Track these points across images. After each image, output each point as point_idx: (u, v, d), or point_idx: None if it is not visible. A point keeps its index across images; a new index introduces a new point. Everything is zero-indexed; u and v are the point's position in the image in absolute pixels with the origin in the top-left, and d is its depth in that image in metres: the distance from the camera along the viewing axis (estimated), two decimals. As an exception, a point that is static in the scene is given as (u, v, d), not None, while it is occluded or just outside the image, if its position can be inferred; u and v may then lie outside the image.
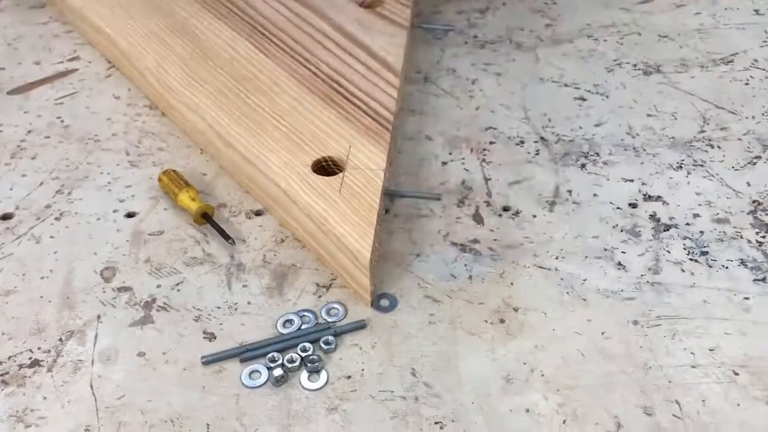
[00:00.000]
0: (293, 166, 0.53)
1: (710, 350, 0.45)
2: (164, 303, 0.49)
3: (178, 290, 0.50)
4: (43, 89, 0.69)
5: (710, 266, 0.51)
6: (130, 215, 0.56)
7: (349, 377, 0.45)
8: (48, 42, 0.75)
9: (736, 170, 0.58)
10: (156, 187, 0.58)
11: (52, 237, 0.54)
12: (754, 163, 0.59)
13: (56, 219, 0.56)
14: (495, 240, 0.53)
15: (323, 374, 0.44)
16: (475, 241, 0.53)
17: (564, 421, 0.42)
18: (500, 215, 0.55)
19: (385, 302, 0.49)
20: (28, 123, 0.65)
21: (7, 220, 0.55)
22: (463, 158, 0.60)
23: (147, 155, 0.61)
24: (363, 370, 0.45)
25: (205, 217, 0.54)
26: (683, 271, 0.50)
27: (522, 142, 0.62)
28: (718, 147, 0.61)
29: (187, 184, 0.56)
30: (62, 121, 0.65)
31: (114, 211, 0.56)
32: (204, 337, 0.47)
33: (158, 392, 0.44)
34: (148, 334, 0.47)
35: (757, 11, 0.78)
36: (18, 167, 0.60)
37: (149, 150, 0.62)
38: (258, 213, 0.56)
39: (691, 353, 0.45)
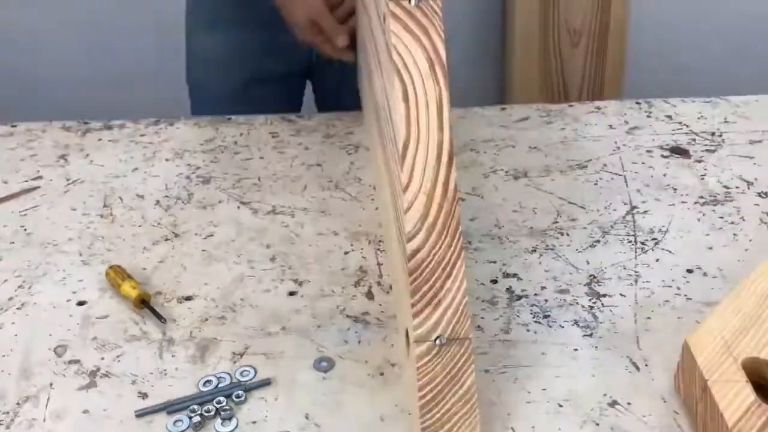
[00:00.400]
0: (216, 257, 0.65)
1: (543, 389, 0.58)
2: (107, 371, 0.60)
3: (119, 361, 0.61)
4: (9, 204, 0.81)
5: (550, 326, 0.63)
6: (80, 303, 0.67)
7: (254, 422, 0.55)
8: (15, 164, 0.88)
9: (579, 252, 0.72)
10: (104, 280, 0.69)
11: (13, 323, 0.65)
12: (594, 246, 0.73)
13: (17, 309, 0.66)
14: (382, 312, 0.65)
15: (234, 421, 0.55)
16: (366, 313, 0.65)
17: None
18: (388, 292, 0.68)
19: (324, 364, 0.60)
20: (-4, 232, 0.77)
21: (-25, 311, 0.66)
22: (362, 248, 0.73)
23: (97, 255, 0.73)
24: (266, 416, 0.56)
25: (143, 303, 0.66)
26: (528, 330, 0.63)
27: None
28: (567, 234, 0.75)
29: (129, 277, 0.68)
30: (25, 230, 0.77)
31: (67, 301, 0.67)
32: (138, 396, 0.58)
33: (98, 441, 0.54)
34: (92, 396, 0.58)
35: (610, 126, 0.95)
36: (-14, 268, 0.71)
37: (99, 251, 0.74)
38: (187, 298, 0.67)
39: (528, 392, 0.57)
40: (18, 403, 0.57)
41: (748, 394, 0.51)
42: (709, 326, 0.57)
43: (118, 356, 0.61)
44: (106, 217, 0.79)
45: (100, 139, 0.93)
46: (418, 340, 0.52)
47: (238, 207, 0.80)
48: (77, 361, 0.61)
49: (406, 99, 0.54)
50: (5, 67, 1.67)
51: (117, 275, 0.68)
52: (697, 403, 0.54)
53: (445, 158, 0.54)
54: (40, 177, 0.86)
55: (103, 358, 0.61)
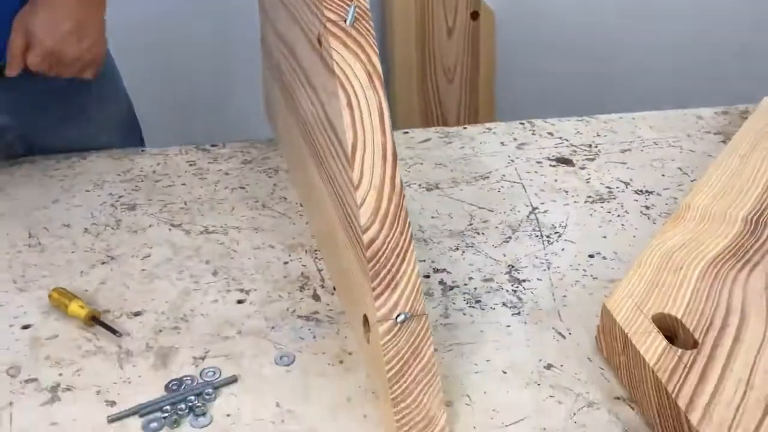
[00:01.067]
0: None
1: (487, 361, 0.64)
2: (68, 385, 0.60)
3: (78, 375, 0.61)
4: (-77, 240, 0.78)
5: (483, 309, 0.71)
6: (25, 327, 0.67)
7: (229, 415, 0.58)
8: None
9: (495, 247, 0.81)
10: (45, 304, 0.69)
11: (-45, 351, 0.63)
12: (507, 241, 0.82)
13: (-43, 338, 0.65)
14: (330, 310, 0.70)
15: (208, 416, 0.57)
16: (316, 312, 0.70)
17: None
18: (332, 293, 0.72)
19: (285, 359, 0.63)
20: None
21: None
22: (300, 257, 0.78)
23: (32, 281, 0.73)
24: (239, 409, 0.58)
25: (94, 320, 0.66)
26: (464, 314, 0.70)
27: (342, 244, 0.80)
28: (482, 234, 0.83)
29: (75, 297, 0.68)
30: (-52, 263, 0.75)
31: (10, 326, 0.67)
32: (106, 404, 0.58)
33: (73, 449, 0.54)
34: (58, 408, 0.58)
35: (502, 143, 1.05)
36: None
37: (33, 278, 0.73)
38: (137, 314, 0.69)
39: (475, 364, 0.64)
40: (-21, 424, 0.56)
41: (661, 341, 0.60)
42: (620, 292, 0.66)
43: (76, 371, 0.62)
44: (33, 247, 0.78)
45: (11, 175, 0.92)
46: (381, 320, 0.57)
47: (170, 229, 0.82)
48: (34, 380, 0.61)
49: (350, 107, 0.60)
50: None
51: (62, 296, 0.68)
52: (620, 356, 0.62)
53: (389, 157, 0.60)
54: (-47, 213, 0.83)
55: (61, 374, 0.61)
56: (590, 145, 1.06)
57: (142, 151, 0.99)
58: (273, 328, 0.67)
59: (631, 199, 0.92)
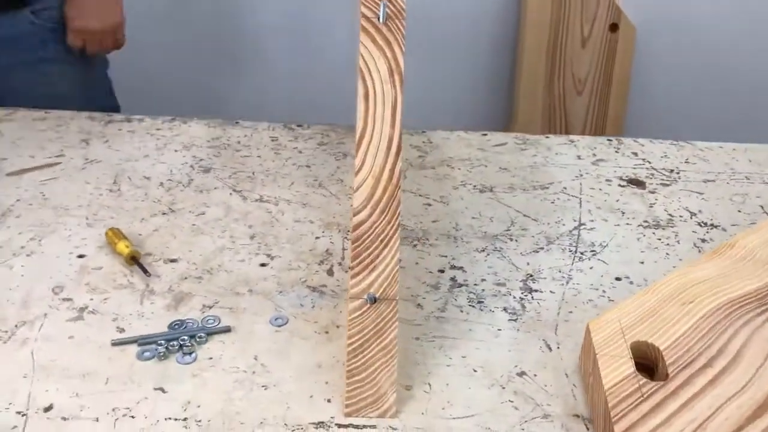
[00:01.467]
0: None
1: (462, 357, 0.66)
2: (93, 309, 0.70)
3: (105, 302, 0.71)
4: (33, 174, 0.93)
5: (481, 310, 0.72)
6: (80, 256, 0.77)
7: (211, 358, 0.64)
8: (42, 144, 1.00)
9: (522, 255, 0.81)
10: (103, 241, 0.80)
11: (22, 266, 0.75)
12: (537, 252, 0.82)
13: (27, 255, 0.77)
14: (338, 286, 0.75)
15: (194, 355, 0.64)
16: (324, 285, 0.75)
17: (349, 390, 0.61)
18: (347, 271, 0.77)
19: (279, 321, 0.69)
20: (18, 195, 0.88)
21: (-9, 254, 0.77)
22: (331, 235, 0.83)
23: (101, 221, 0.84)
24: (222, 355, 0.65)
25: (133, 259, 0.76)
26: (461, 311, 0.72)
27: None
28: (515, 240, 0.84)
29: (125, 237, 0.78)
30: (43, 195, 0.88)
31: (69, 254, 0.78)
32: (117, 330, 0.67)
33: (78, 359, 0.64)
34: (79, 326, 0.67)
35: (578, 156, 1.04)
36: (4, 222, 0.82)
37: (103, 218, 0.84)
38: (172, 260, 0.77)
39: (449, 357, 0.66)
40: (16, 326, 0.67)
41: (629, 366, 0.59)
42: (610, 314, 0.65)
43: (105, 299, 0.71)
44: (113, 192, 0.90)
45: (120, 129, 1.05)
46: (353, 297, 0.61)
47: (230, 194, 0.91)
48: (70, 299, 0.71)
49: (366, 99, 0.64)
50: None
51: (114, 235, 0.78)
52: (590, 376, 0.62)
53: (393, 149, 0.64)
54: (63, 155, 0.97)
55: (92, 299, 0.71)
56: (672, 171, 1.01)
57: (236, 123, 1.09)
58: (281, 292, 0.73)
59: (690, 230, 0.88)
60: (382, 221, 0.62)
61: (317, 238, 0.83)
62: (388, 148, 0.63)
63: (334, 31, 1.90)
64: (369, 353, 0.61)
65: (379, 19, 0.65)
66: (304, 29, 1.93)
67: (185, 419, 0.58)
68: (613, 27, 1.73)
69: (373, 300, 0.60)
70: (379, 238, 0.62)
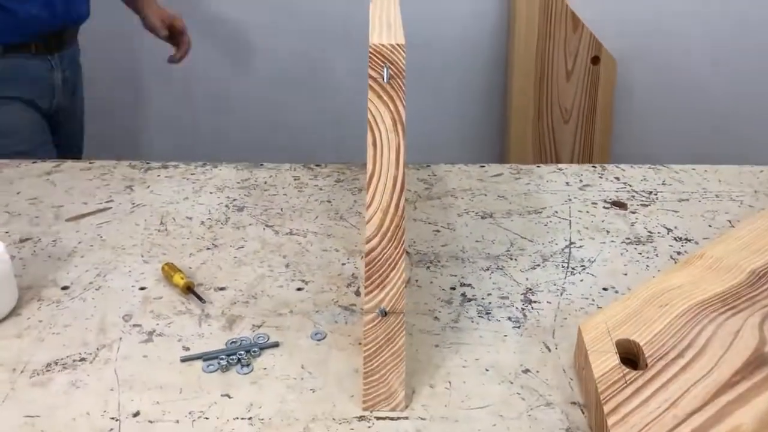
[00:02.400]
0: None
1: (476, 359, 0.78)
2: (160, 332, 0.82)
3: (169, 326, 0.83)
4: (88, 218, 1.05)
5: (489, 320, 0.84)
6: (142, 288, 0.90)
7: (265, 368, 0.77)
8: (92, 191, 1.13)
9: (522, 272, 0.94)
10: (159, 275, 0.92)
11: (93, 299, 0.88)
12: (535, 268, 0.94)
13: (96, 289, 0.89)
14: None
15: (251, 366, 0.76)
16: (353, 305, 0.87)
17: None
18: (371, 293, 0.89)
19: (318, 335, 0.81)
20: (79, 237, 1.00)
21: (66, 290, 0.89)
22: (356, 261, 0.95)
23: (154, 257, 0.96)
24: (274, 365, 0.77)
25: (189, 289, 0.88)
26: (472, 322, 0.84)
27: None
28: (515, 259, 0.96)
29: (180, 270, 0.90)
30: (101, 237, 1.01)
31: (132, 287, 0.90)
32: (183, 349, 0.79)
33: (153, 374, 0.76)
34: (150, 347, 0.80)
35: (567, 183, 1.17)
36: (72, 262, 0.95)
37: (156, 254, 0.97)
38: (222, 289, 0.90)
39: (465, 360, 0.78)
40: (97, 349, 0.79)
41: (614, 360, 0.71)
42: (598, 317, 0.77)
43: (168, 323, 0.83)
44: (162, 231, 1.02)
45: (158, 175, 1.18)
46: (367, 311, 0.73)
47: (264, 229, 1.03)
48: (139, 325, 0.83)
49: (374, 145, 0.77)
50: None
51: (170, 269, 0.91)
52: (583, 370, 0.74)
53: (398, 187, 0.75)
54: (112, 201, 1.10)
55: (158, 324, 0.83)
56: (651, 192, 1.15)
57: (261, 165, 1.22)
58: (317, 311, 0.86)
59: (666, 244, 1.00)
60: (389, 247, 0.74)
61: (343, 264, 0.95)
62: (394, 186, 0.75)
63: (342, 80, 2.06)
64: (381, 358, 0.73)
65: (383, 79, 0.78)
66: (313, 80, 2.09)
67: (250, 418, 0.70)
68: (595, 60, 1.87)
69: (384, 313, 0.72)
70: (388, 262, 0.74)
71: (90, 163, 1.22)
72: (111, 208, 1.08)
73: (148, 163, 1.22)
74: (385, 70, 0.76)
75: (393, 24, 0.80)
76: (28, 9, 1.37)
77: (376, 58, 0.74)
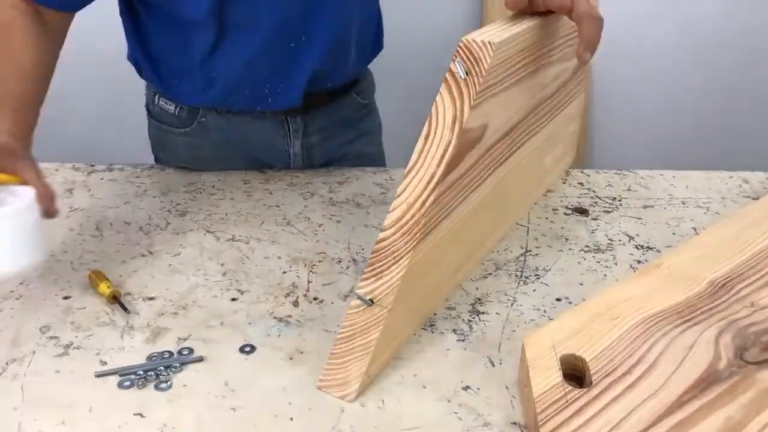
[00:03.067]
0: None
1: (414, 375, 0.73)
2: (78, 345, 0.76)
3: (88, 339, 0.77)
4: (20, 223, 1.00)
5: (432, 332, 0.79)
6: (66, 297, 0.84)
7: (185, 385, 0.71)
8: (29, 194, 1.07)
9: (472, 281, 0.89)
10: (88, 284, 0.86)
11: (11, 308, 0.82)
12: (486, 278, 0.89)
13: (16, 299, 0.84)
14: (302, 316, 0.82)
15: (170, 383, 0.71)
16: (289, 316, 0.82)
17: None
18: (311, 302, 0.84)
19: (247, 349, 0.76)
20: (7, 243, 0.95)
21: (-17, 299, 0.84)
22: (297, 270, 0.90)
23: (85, 264, 0.91)
24: (195, 382, 0.72)
25: (114, 299, 0.83)
26: (415, 334, 0.79)
27: (340, 261, 0.92)
28: (467, 268, 0.91)
29: (106, 279, 0.85)
30: (30, 243, 0.95)
31: (55, 296, 0.85)
32: (100, 364, 0.74)
33: (63, 391, 0.70)
34: (65, 361, 0.74)
35: (528, 188, 1.12)
36: (-5, 269, 0.89)
37: (86, 262, 0.91)
38: (150, 298, 0.84)
39: (402, 376, 0.73)
40: (6, 363, 0.73)
41: (557, 377, 0.66)
42: (544, 331, 0.72)
43: (88, 335, 0.78)
44: (96, 237, 0.97)
45: (102, 179, 1.13)
46: (356, 297, 0.70)
47: (204, 234, 0.98)
48: (56, 338, 0.77)
49: (426, 138, 0.72)
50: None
51: (97, 277, 0.85)
52: (525, 387, 0.69)
53: (432, 185, 0.71)
54: (49, 204, 1.04)
55: (77, 336, 0.78)
56: (615, 198, 1.10)
57: (210, 169, 1.16)
58: (250, 323, 0.80)
59: (627, 252, 0.96)
60: (400, 241, 0.70)
61: (284, 272, 0.90)
62: (428, 182, 0.71)
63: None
64: (351, 345, 0.70)
65: (460, 75, 0.73)
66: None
67: (162, 440, 0.65)
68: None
69: (371, 302, 0.68)
70: (393, 255, 0.70)
71: (31, 165, 1.16)
72: (46, 212, 1.03)
73: (92, 165, 1.16)
74: (460, 65, 0.72)
75: (495, 29, 0.77)
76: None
77: (462, 52, 0.71)
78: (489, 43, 0.74)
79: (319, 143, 1.20)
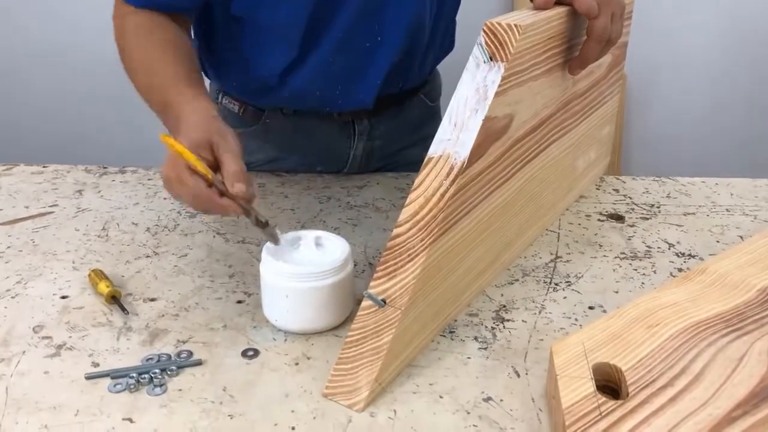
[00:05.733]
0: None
1: (430, 384, 0.66)
2: (71, 346, 0.71)
3: (83, 339, 0.72)
4: (26, 223, 0.96)
5: (452, 339, 0.72)
6: (63, 297, 0.79)
7: (180, 390, 0.65)
8: (38, 195, 1.03)
9: (497, 287, 0.82)
10: (87, 283, 0.82)
11: (5, 308, 0.77)
12: (512, 284, 0.83)
13: (11, 297, 0.79)
14: (311, 320, 0.76)
15: (164, 387, 0.65)
16: (297, 320, 0.76)
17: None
18: (321, 307, 0.78)
19: (250, 353, 0.70)
20: (9, 242, 0.91)
21: (-22, 297, 0.79)
22: (309, 273, 0.84)
23: (86, 264, 0.86)
24: (191, 387, 0.66)
25: (113, 299, 0.78)
26: (432, 341, 0.72)
27: (355, 264, 0.86)
28: (491, 273, 0.85)
29: (106, 278, 0.80)
30: (33, 242, 0.91)
31: (53, 295, 0.80)
32: (91, 365, 0.69)
33: (50, 393, 0.65)
34: (55, 362, 0.69)
35: (559, 194, 1.05)
36: (-6, 267, 0.85)
37: (89, 261, 0.87)
38: (152, 299, 0.79)
39: (417, 385, 0.66)
40: (-7, 363, 0.69)
41: (589, 387, 0.59)
42: (574, 338, 0.65)
43: (83, 336, 0.73)
44: (101, 238, 0.92)
45: (113, 180, 1.09)
46: (366, 297, 0.64)
47: (214, 236, 0.93)
48: (49, 338, 0.73)
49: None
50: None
51: (96, 276, 0.80)
52: (553, 399, 0.62)
53: (452, 176, 0.66)
54: (56, 205, 1.01)
55: (70, 337, 0.73)
56: (653, 205, 1.02)
57: (226, 171, 1.12)
58: (255, 327, 0.74)
59: (667, 260, 0.88)
60: (416, 237, 0.65)
61: (296, 275, 0.84)
62: (448, 173, 0.66)
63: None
64: (361, 349, 0.64)
65: (483, 60, 0.69)
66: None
67: (150, 448, 0.59)
68: (604, 74, 1.76)
69: (383, 303, 0.63)
70: (408, 252, 0.64)
71: (43, 166, 1.13)
72: (53, 212, 0.99)
73: (105, 167, 1.13)
74: (483, 50, 0.68)
75: (521, 14, 0.73)
76: None
77: (486, 36, 0.67)
78: (516, 25, 0.69)
79: (381, 146, 1.14)
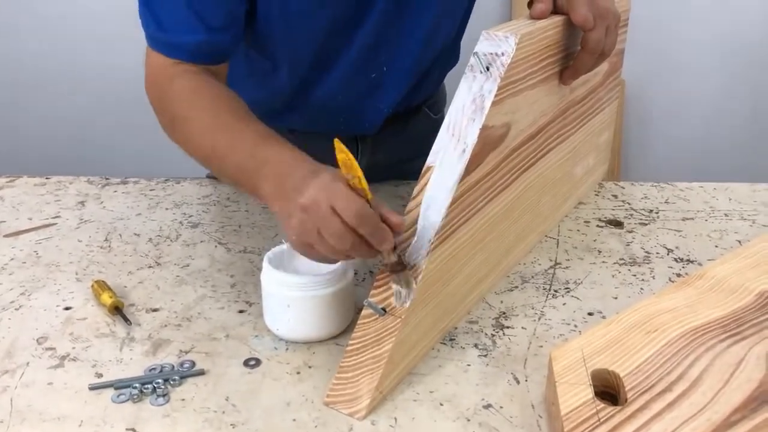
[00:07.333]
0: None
1: (430, 392, 0.67)
2: (74, 357, 0.72)
3: (86, 350, 0.73)
4: (29, 234, 0.97)
5: (452, 347, 0.73)
6: (67, 308, 0.80)
7: (183, 400, 0.66)
8: (41, 207, 1.04)
9: (497, 294, 0.82)
10: (90, 294, 0.82)
11: (9, 319, 0.78)
12: (512, 291, 0.83)
13: (15, 309, 0.80)
14: (312, 329, 0.76)
15: (167, 398, 0.66)
16: (299, 329, 0.76)
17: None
18: (322, 315, 0.78)
19: (252, 362, 0.71)
20: (13, 254, 0.92)
21: (-18, 309, 0.80)
22: (310, 282, 0.85)
23: (89, 275, 0.87)
24: (194, 396, 0.66)
25: (116, 309, 0.78)
26: (432, 348, 0.73)
27: (356, 273, 0.86)
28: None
29: (109, 289, 0.81)
30: (37, 254, 0.92)
31: (56, 306, 0.81)
32: (95, 376, 0.69)
33: (54, 404, 0.65)
34: (58, 373, 0.70)
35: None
36: (-2, 279, 0.86)
37: (92, 272, 0.87)
38: (155, 310, 0.80)
39: (417, 393, 0.66)
40: (-2, 374, 0.69)
41: (587, 393, 0.59)
42: (573, 344, 0.66)
43: (86, 347, 0.73)
44: (104, 248, 0.93)
45: (115, 191, 1.09)
46: (367, 306, 0.65)
47: (215, 246, 0.94)
48: (53, 349, 0.73)
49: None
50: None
51: (99, 287, 0.81)
52: (552, 405, 0.62)
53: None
54: (59, 216, 1.01)
55: (74, 348, 0.73)
56: (651, 211, 1.03)
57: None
58: (257, 336, 0.75)
59: (665, 265, 0.89)
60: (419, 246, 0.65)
61: (297, 284, 0.85)
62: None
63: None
64: (361, 358, 0.65)
65: (480, 70, 0.70)
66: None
67: (153, 458, 0.60)
68: (603, 80, 1.77)
69: (383, 312, 0.64)
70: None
71: (46, 178, 1.14)
72: (56, 224, 0.99)
73: (107, 178, 1.14)
74: (479, 60, 0.69)
75: (518, 24, 0.75)
76: None
77: (483, 46, 0.69)
78: (512, 35, 0.70)
79: (384, 160, 1.14)
